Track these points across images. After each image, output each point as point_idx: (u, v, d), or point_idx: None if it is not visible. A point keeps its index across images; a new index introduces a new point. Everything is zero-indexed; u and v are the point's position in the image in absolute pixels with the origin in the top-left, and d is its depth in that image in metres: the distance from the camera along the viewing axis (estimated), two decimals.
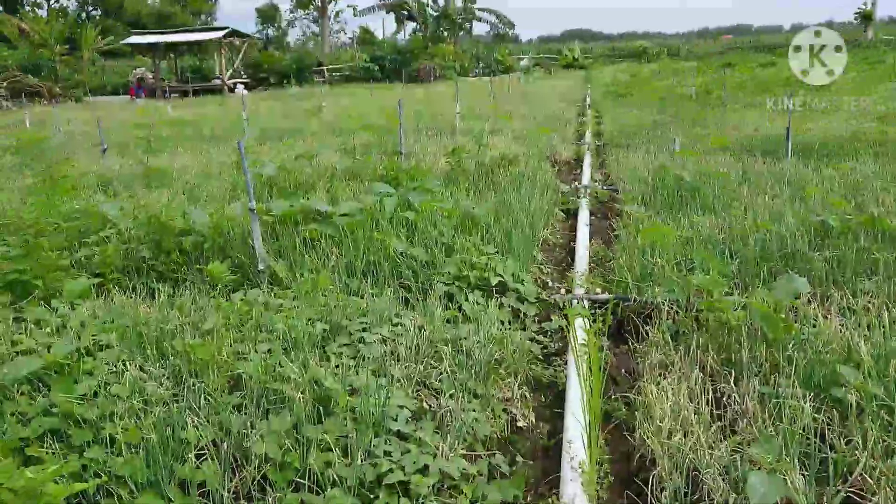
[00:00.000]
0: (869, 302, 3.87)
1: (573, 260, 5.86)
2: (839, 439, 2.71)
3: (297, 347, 3.44)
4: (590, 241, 6.15)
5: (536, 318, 4.45)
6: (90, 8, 63.85)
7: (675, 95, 16.17)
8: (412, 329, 3.72)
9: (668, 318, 3.99)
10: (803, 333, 3.43)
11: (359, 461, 2.61)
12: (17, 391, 2.93)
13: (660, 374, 3.40)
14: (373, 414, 2.85)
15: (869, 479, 2.50)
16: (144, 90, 35.82)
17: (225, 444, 2.72)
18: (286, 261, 4.89)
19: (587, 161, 9.88)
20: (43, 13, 47.23)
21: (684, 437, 2.86)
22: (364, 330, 3.72)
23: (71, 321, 3.76)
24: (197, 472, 2.56)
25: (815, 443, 2.66)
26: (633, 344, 4.00)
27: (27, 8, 49.64)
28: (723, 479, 2.55)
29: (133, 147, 11.58)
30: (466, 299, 4.36)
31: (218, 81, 35.86)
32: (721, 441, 2.78)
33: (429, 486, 2.57)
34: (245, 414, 2.91)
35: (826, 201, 5.71)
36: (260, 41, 48.85)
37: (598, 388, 2.91)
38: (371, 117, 14.37)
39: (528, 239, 5.31)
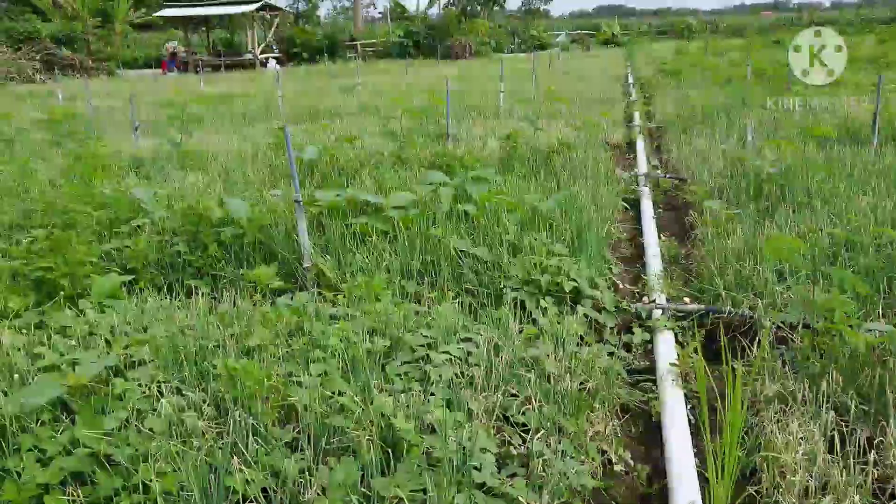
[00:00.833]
0: None
1: (641, 257, 5.33)
2: None
3: (356, 368, 2.98)
4: (659, 236, 5.60)
5: (615, 330, 3.95)
6: None
7: (729, 75, 15.26)
8: (484, 346, 3.24)
9: (772, 337, 3.45)
10: None
11: None
12: (37, 421, 2.51)
13: (780, 409, 2.89)
14: (452, 461, 2.39)
15: None
16: (177, 63, 35.47)
17: (279, 495, 2.29)
18: (333, 258, 4.44)
19: (640, 146, 9.20)
20: None
21: (823, 495, 2.38)
22: (429, 347, 3.25)
23: (99, 328, 3.35)
24: None
25: None
26: (730, 364, 3.46)
27: None
28: None
29: (165, 124, 11.20)
30: (537, 307, 3.87)
31: (250, 56, 35.36)
32: None
33: None
34: (300, 454, 2.46)
35: None
36: (291, 14, 48.10)
37: (731, 464, 2.39)
38: (410, 96, 13.80)
39: (599, 238, 4.77)
